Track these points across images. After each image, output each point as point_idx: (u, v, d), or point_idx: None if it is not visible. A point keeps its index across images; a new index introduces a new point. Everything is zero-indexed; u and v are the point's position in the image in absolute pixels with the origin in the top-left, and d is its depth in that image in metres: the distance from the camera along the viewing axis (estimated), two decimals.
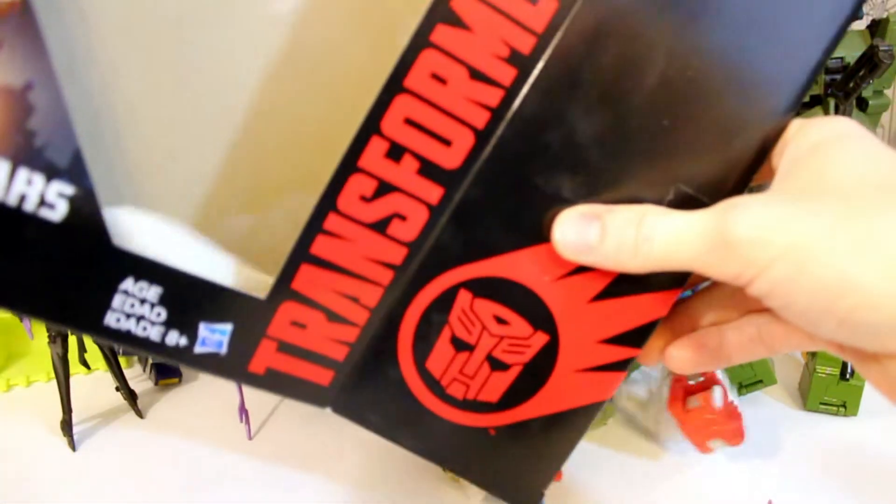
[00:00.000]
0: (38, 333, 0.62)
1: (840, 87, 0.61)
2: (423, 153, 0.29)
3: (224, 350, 0.30)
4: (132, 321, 0.28)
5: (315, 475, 0.56)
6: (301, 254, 0.29)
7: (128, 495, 0.54)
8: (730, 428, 0.53)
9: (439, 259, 0.31)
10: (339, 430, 0.60)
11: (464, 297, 0.32)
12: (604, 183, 0.30)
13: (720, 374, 0.56)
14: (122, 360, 0.63)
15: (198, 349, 0.29)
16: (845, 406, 0.60)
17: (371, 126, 0.28)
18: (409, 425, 0.34)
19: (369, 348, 0.32)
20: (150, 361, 0.65)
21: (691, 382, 0.55)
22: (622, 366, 0.33)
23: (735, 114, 0.30)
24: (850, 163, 0.27)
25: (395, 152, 0.29)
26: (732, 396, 0.56)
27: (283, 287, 0.30)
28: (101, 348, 0.60)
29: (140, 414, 0.61)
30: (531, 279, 0.31)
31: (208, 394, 0.64)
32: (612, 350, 0.33)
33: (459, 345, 0.32)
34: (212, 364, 0.30)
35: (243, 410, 0.59)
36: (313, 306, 0.30)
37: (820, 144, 0.28)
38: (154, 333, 0.28)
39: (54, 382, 0.58)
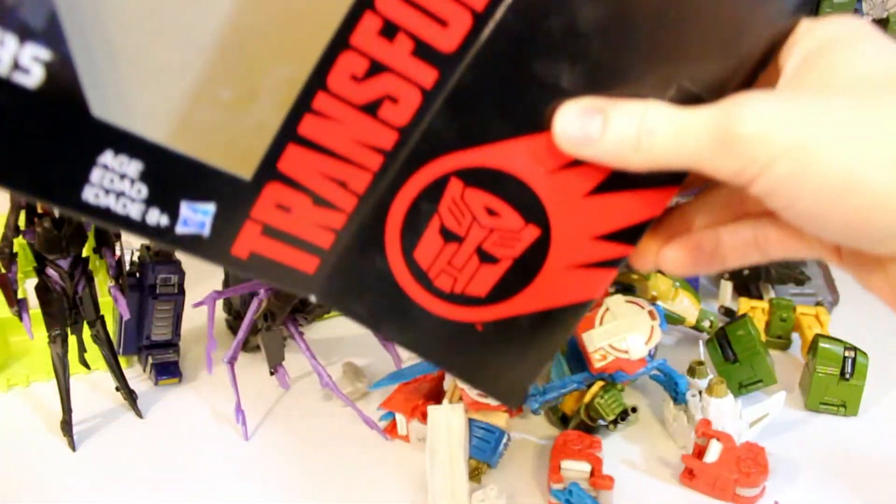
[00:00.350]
0: (38, 333, 0.61)
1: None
2: (417, 33, 0.28)
3: (206, 231, 0.29)
4: (111, 197, 0.27)
5: (311, 475, 0.56)
6: (288, 133, 0.28)
7: (128, 495, 0.54)
8: (746, 474, 0.51)
9: (431, 145, 0.30)
10: (334, 431, 0.60)
11: (455, 186, 0.31)
12: (604, 75, 0.29)
13: (728, 415, 0.55)
14: (122, 360, 0.63)
15: (179, 229, 0.28)
16: (845, 406, 0.60)
17: (364, 1, 0.27)
18: (395, 317, 0.33)
19: (356, 236, 0.31)
20: (151, 361, 0.65)
21: (698, 442, 0.54)
22: (614, 263, 0.32)
23: (745, 10, 0.29)
24: (858, 61, 0.27)
25: (389, 30, 0.28)
26: (747, 436, 0.55)
27: (269, 167, 0.29)
28: (102, 349, 0.60)
29: (140, 414, 0.61)
30: (525, 171, 0.31)
31: (207, 394, 0.64)
32: (604, 247, 0.32)
33: (448, 235, 0.32)
34: (194, 246, 0.29)
35: (240, 411, 0.59)
36: (299, 189, 0.29)
37: (828, 43, 0.28)
38: (134, 211, 0.27)
39: (54, 382, 0.58)
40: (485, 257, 0.32)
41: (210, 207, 0.28)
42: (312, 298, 0.32)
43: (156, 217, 0.28)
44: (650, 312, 0.55)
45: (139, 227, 0.28)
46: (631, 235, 0.32)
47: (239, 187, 0.29)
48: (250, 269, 0.30)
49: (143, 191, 0.27)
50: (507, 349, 0.34)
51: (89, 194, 0.26)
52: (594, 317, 0.56)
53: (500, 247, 0.32)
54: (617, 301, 0.56)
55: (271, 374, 0.62)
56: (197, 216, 0.28)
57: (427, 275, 0.32)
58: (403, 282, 0.32)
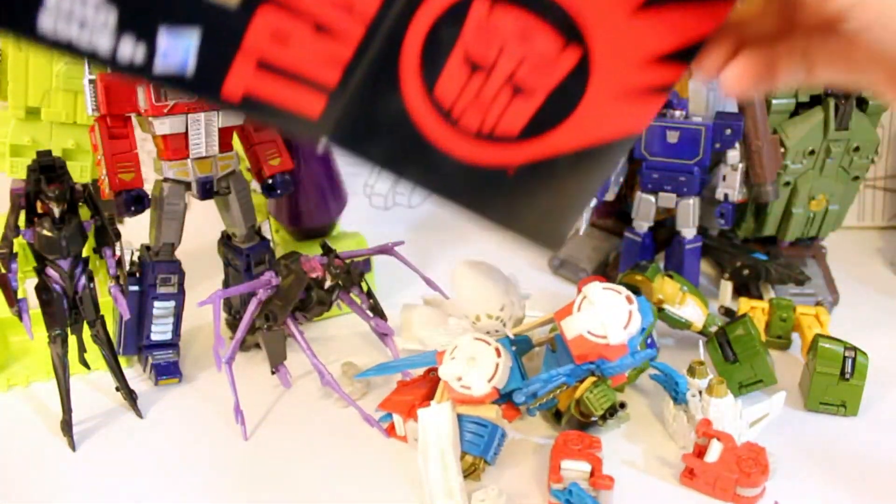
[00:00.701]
0: (38, 333, 0.62)
1: (840, 87, 0.61)
2: None
3: (190, 66, 0.25)
4: (74, 26, 0.23)
5: (310, 474, 0.56)
6: None
7: (128, 495, 0.54)
8: (747, 474, 0.51)
9: None
10: (334, 430, 0.60)
11: (480, 4, 0.27)
12: None
13: (728, 417, 0.55)
14: (122, 360, 0.63)
15: (159, 65, 0.25)
16: (845, 406, 0.60)
17: None
18: (415, 162, 0.30)
19: (367, 72, 0.27)
20: (151, 361, 0.65)
21: (699, 442, 0.54)
22: (664, 89, 0.29)
23: None
24: None
25: None
26: (747, 436, 0.55)
27: None
28: (102, 349, 0.60)
29: (140, 414, 0.61)
30: None
31: (207, 394, 0.64)
32: (655, 70, 0.29)
33: (474, 65, 0.28)
34: (177, 84, 0.26)
35: (238, 411, 0.59)
36: (296, 14, 0.26)
37: None
38: (102, 43, 0.24)
39: (54, 382, 0.58)
40: (517, 89, 0.29)
41: (193, 34, 0.25)
42: (321, 147, 0.29)
43: (129, 49, 0.25)
44: (627, 297, 0.55)
45: (110, 63, 0.25)
46: (685, 55, 0.29)
47: (225, 14, 0.25)
48: (245, 112, 0.28)
49: (110, 18, 0.24)
50: (542, 194, 0.31)
51: (46, 22, 0.23)
52: (572, 305, 0.56)
53: (534, 75, 0.29)
54: (594, 288, 0.56)
55: (273, 373, 0.62)
56: (179, 48, 0.25)
57: (451, 113, 0.29)
58: (423, 124, 0.29)
